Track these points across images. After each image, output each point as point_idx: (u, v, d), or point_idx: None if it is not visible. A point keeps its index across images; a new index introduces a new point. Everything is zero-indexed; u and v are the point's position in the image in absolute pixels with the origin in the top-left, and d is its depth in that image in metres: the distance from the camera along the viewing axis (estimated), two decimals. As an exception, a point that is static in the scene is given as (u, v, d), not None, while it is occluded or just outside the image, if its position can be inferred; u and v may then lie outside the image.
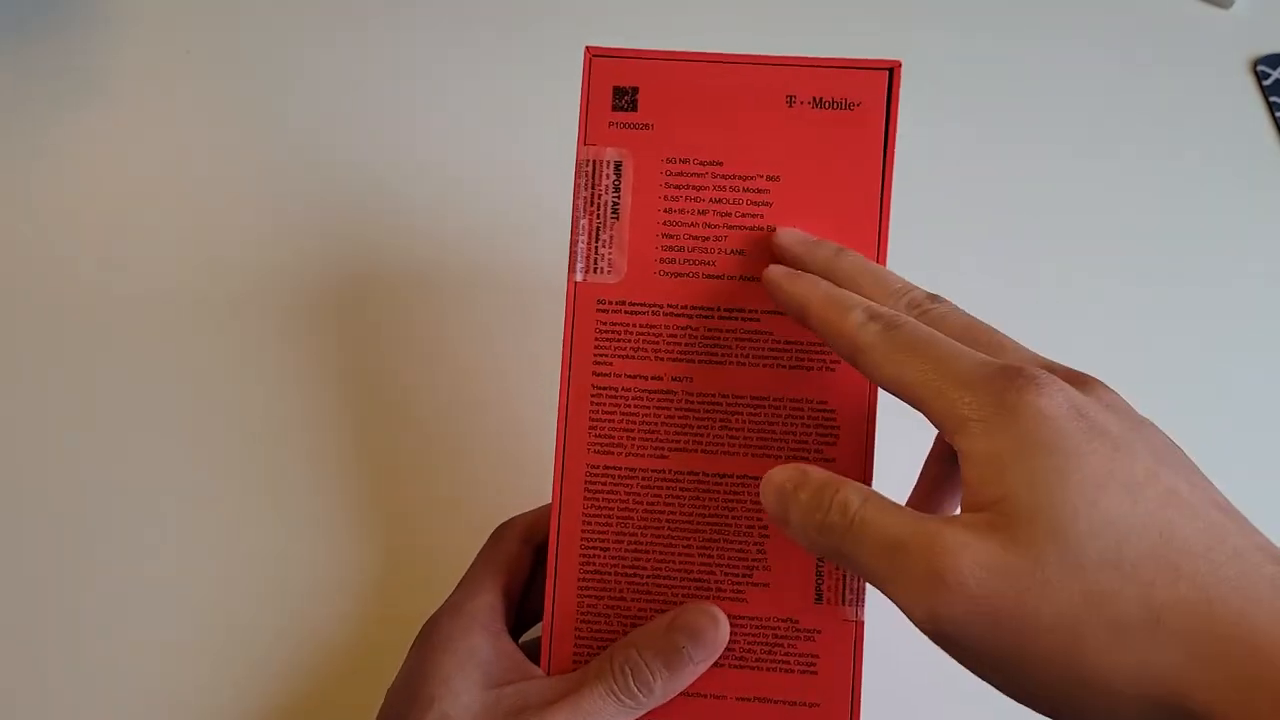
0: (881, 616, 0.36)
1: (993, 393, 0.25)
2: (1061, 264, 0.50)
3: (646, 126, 0.33)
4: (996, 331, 0.29)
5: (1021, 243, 0.51)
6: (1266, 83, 0.54)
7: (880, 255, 0.33)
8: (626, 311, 0.33)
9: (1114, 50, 0.56)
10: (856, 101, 0.33)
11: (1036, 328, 0.48)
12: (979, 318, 0.30)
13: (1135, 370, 0.48)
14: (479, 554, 0.36)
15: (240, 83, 0.57)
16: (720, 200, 0.33)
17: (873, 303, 0.29)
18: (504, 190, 0.52)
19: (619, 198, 0.33)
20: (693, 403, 0.33)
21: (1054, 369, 0.27)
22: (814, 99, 0.33)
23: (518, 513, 0.38)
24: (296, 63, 0.57)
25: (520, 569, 0.36)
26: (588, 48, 0.34)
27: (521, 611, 0.36)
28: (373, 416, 0.48)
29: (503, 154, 0.53)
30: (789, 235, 0.32)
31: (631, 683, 0.31)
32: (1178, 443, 0.27)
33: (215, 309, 0.50)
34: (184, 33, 0.58)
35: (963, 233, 0.51)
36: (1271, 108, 0.54)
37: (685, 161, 0.33)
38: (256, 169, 0.54)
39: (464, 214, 0.52)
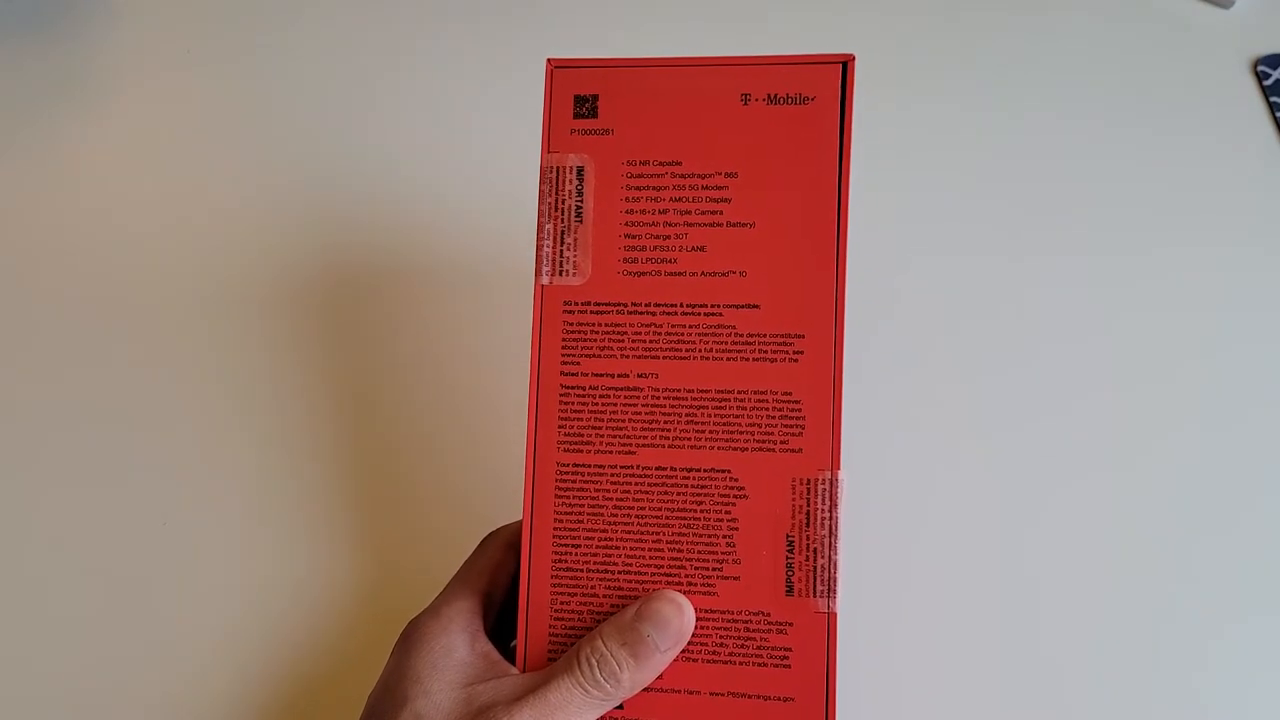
0: (855, 609, 0.36)
1: None
2: (1058, 264, 0.50)
3: (607, 132, 0.34)
4: None
5: (1014, 242, 0.50)
6: (1267, 83, 0.54)
7: (840, 246, 0.33)
8: (592, 311, 0.34)
9: (1114, 50, 0.56)
10: (810, 96, 0.33)
11: (1030, 328, 0.48)
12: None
13: (1136, 371, 0.47)
14: (465, 561, 0.37)
15: (239, 82, 0.58)
16: (680, 199, 0.34)
17: None
18: (494, 194, 0.53)
19: (582, 201, 0.34)
20: (659, 398, 0.33)
21: None
22: (768, 95, 0.33)
23: (503, 517, 0.38)
24: (294, 62, 0.59)
25: (504, 574, 0.36)
26: (549, 60, 0.35)
27: (511, 616, 0.37)
28: (351, 422, 0.48)
29: (495, 159, 0.54)
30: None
31: (598, 673, 0.31)
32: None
33: (208, 309, 0.51)
34: (184, 33, 0.60)
35: (950, 231, 0.51)
36: (1272, 108, 0.53)
37: (645, 163, 0.34)
38: (254, 169, 0.55)
39: (450, 217, 0.53)
